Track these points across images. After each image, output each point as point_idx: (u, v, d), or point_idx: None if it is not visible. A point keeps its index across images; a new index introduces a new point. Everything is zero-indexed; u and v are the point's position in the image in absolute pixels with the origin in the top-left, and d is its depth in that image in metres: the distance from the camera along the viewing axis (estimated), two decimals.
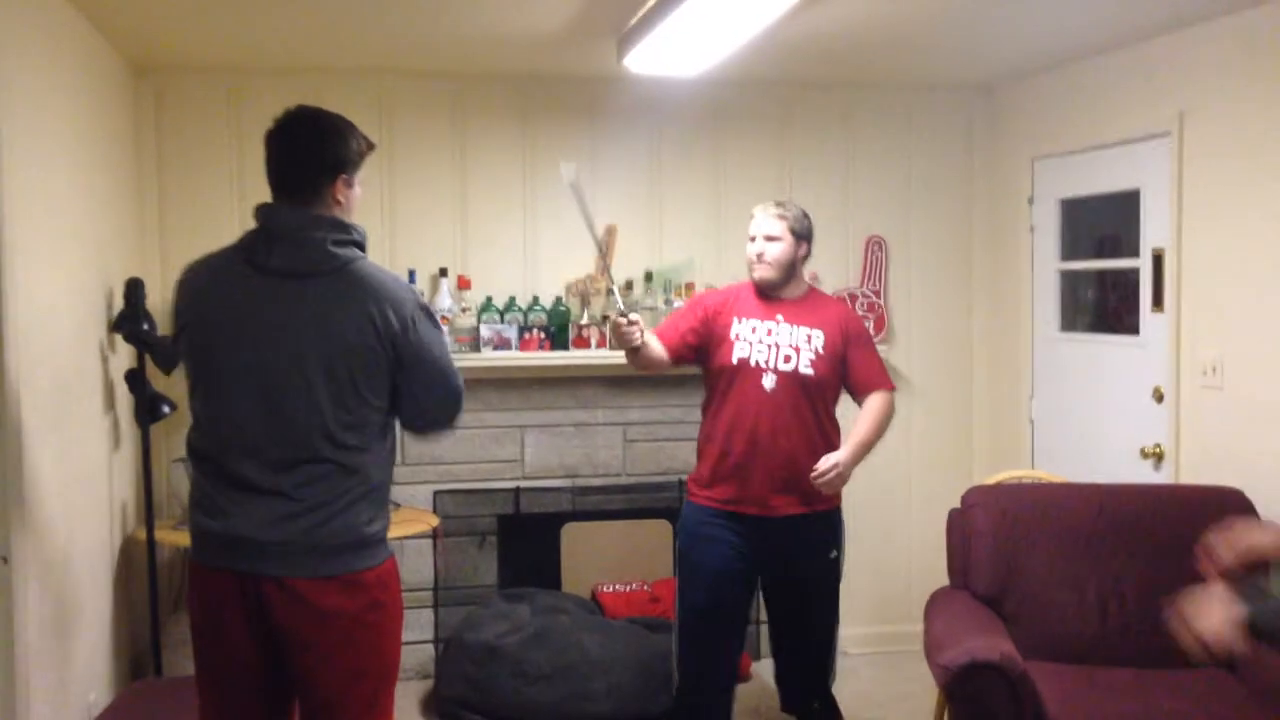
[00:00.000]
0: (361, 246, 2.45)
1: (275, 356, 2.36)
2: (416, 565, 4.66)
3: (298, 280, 2.37)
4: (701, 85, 4.59)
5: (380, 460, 2.48)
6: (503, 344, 4.56)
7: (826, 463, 3.41)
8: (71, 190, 3.45)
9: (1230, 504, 3.53)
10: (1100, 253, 4.63)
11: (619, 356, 4.59)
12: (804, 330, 3.52)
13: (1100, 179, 4.42)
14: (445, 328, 4.46)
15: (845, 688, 4.64)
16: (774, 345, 3.50)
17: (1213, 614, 1.97)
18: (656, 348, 3.54)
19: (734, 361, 3.51)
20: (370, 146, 2.53)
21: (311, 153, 2.42)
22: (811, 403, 3.49)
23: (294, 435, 2.37)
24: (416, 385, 2.45)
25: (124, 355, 3.97)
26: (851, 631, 5.06)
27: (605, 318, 4.64)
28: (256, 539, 2.37)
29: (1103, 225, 4.51)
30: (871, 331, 4.94)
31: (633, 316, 3.40)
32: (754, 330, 3.53)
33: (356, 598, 2.42)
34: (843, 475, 3.43)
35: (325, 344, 2.35)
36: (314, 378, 2.36)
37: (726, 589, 3.61)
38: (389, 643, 2.54)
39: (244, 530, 2.37)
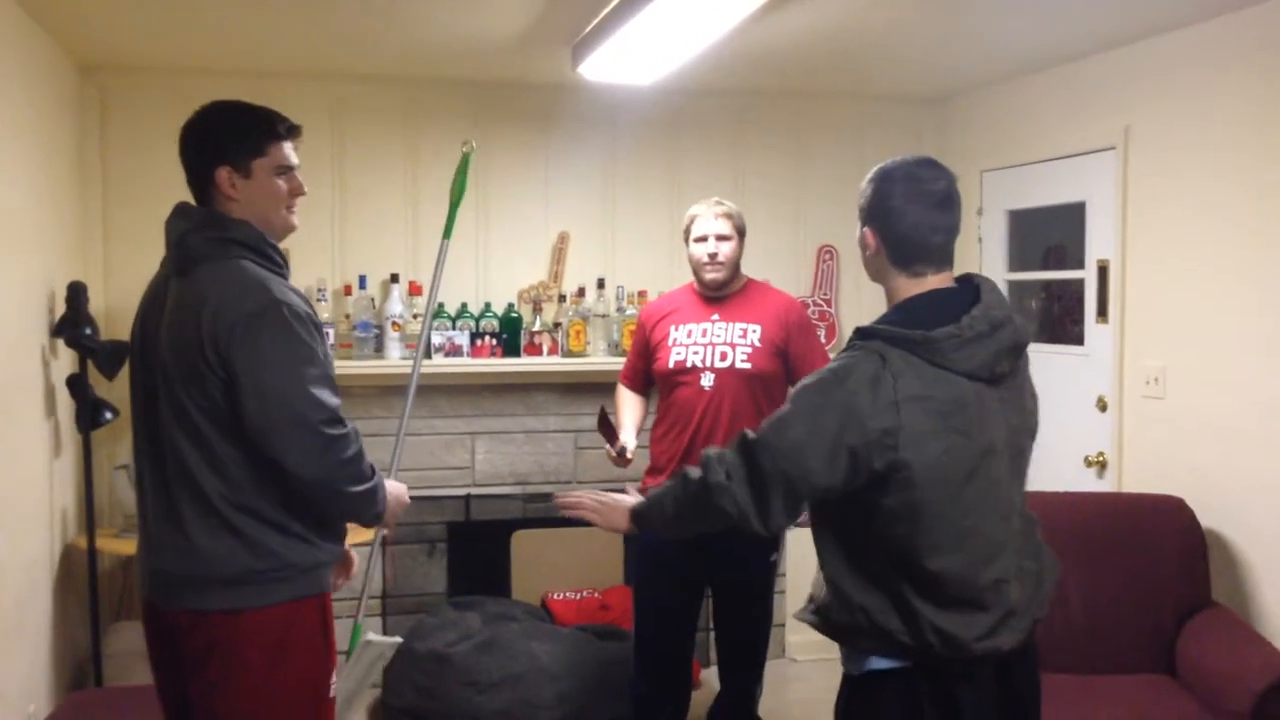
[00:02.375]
0: (244, 244, 2.20)
1: (150, 365, 2.23)
2: (366, 573, 4.61)
3: (174, 280, 2.23)
4: (656, 94, 4.61)
5: (246, 488, 2.18)
6: (454, 350, 4.53)
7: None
8: (11, 190, 3.38)
9: (1171, 512, 3.60)
10: (1047, 264, 4.70)
11: (570, 363, 4.63)
12: (740, 326, 3.56)
13: (1047, 191, 4.49)
14: (397, 334, 4.46)
15: (793, 694, 4.67)
16: (709, 345, 3.55)
17: (615, 510, 2.41)
18: (636, 406, 3.81)
19: (670, 366, 3.59)
20: (287, 131, 2.29)
21: (188, 149, 2.27)
22: (754, 398, 3.53)
23: (162, 454, 2.20)
24: (250, 409, 2.12)
25: (65, 360, 3.90)
26: (800, 638, 5.09)
27: (557, 325, 4.64)
28: (147, 566, 2.28)
29: (1049, 237, 4.58)
30: (823, 339, 4.99)
31: (628, 455, 3.58)
32: (689, 334, 3.59)
33: (235, 643, 2.20)
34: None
35: (170, 351, 2.18)
36: (165, 389, 2.18)
37: (675, 589, 3.65)
38: (282, 709, 2.25)
39: (144, 557, 2.30)
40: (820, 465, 2.00)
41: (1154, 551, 3.49)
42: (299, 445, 2.16)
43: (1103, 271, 4.14)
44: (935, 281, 2.12)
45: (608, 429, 3.56)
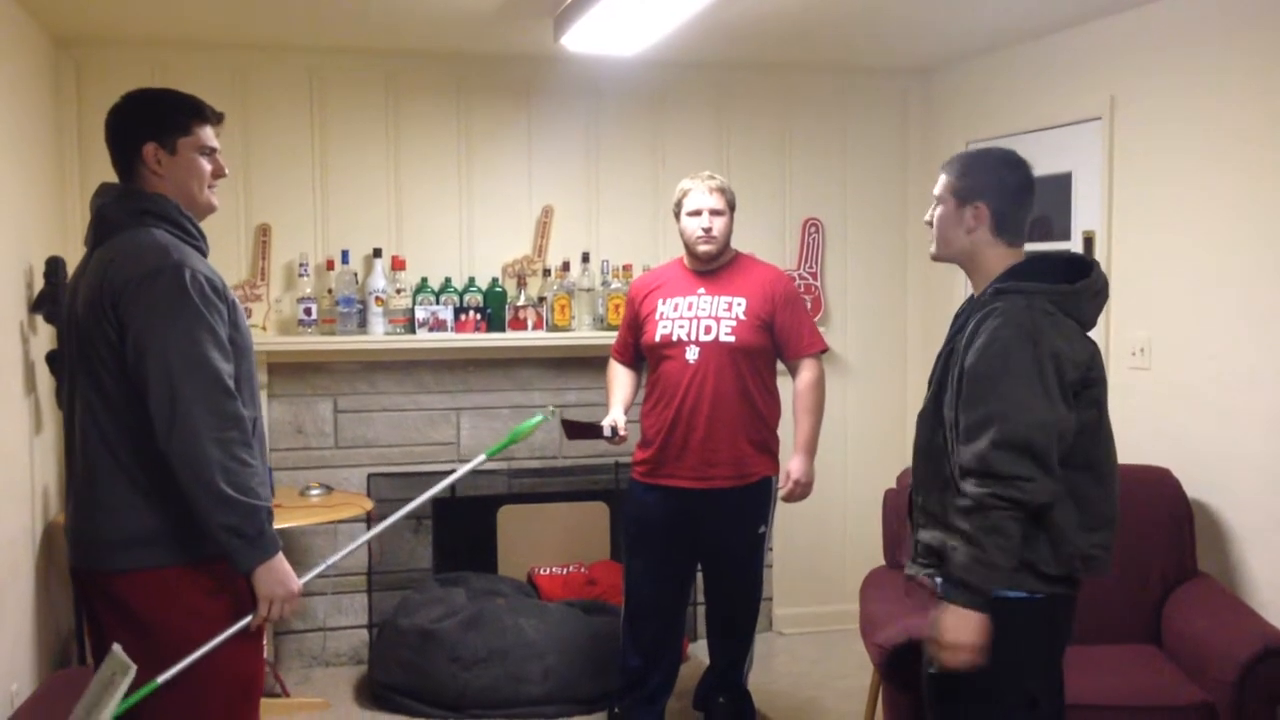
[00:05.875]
0: (157, 214, 2.29)
1: (69, 333, 2.35)
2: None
3: (95, 252, 2.33)
4: (639, 66, 4.57)
5: (144, 449, 2.22)
6: (438, 325, 4.50)
7: (787, 484, 3.59)
8: None
9: (1157, 482, 3.60)
10: (1031, 236, 4.67)
11: (555, 338, 4.61)
12: (725, 299, 3.58)
13: (1032, 162, 4.45)
14: (380, 309, 4.42)
15: (780, 667, 4.68)
16: (694, 319, 3.58)
17: (965, 625, 2.27)
18: (626, 382, 3.81)
19: (656, 339, 3.62)
20: (212, 115, 2.39)
21: (115, 128, 2.37)
22: (739, 372, 3.54)
23: (75, 415, 2.31)
24: (132, 362, 2.20)
25: (45, 336, 3.86)
26: (787, 611, 5.10)
27: (542, 299, 4.62)
28: (69, 530, 2.36)
29: (1035, 208, 4.56)
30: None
31: (621, 431, 3.61)
32: (675, 307, 3.62)
33: (130, 601, 2.26)
34: (807, 485, 3.58)
35: (81, 313, 2.28)
36: (80, 352, 2.28)
37: (666, 562, 3.67)
38: (208, 680, 2.27)
39: (67, 521, 2.37)
40: (1066, 407, 2.28)
41: (1140, 522, 3.48)
42: (166, 402, 2.17)
43: (1088, 243, 4.13)
44: (1022, 253, 2.47)
45: (580, 429, 3.58)
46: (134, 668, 2.11)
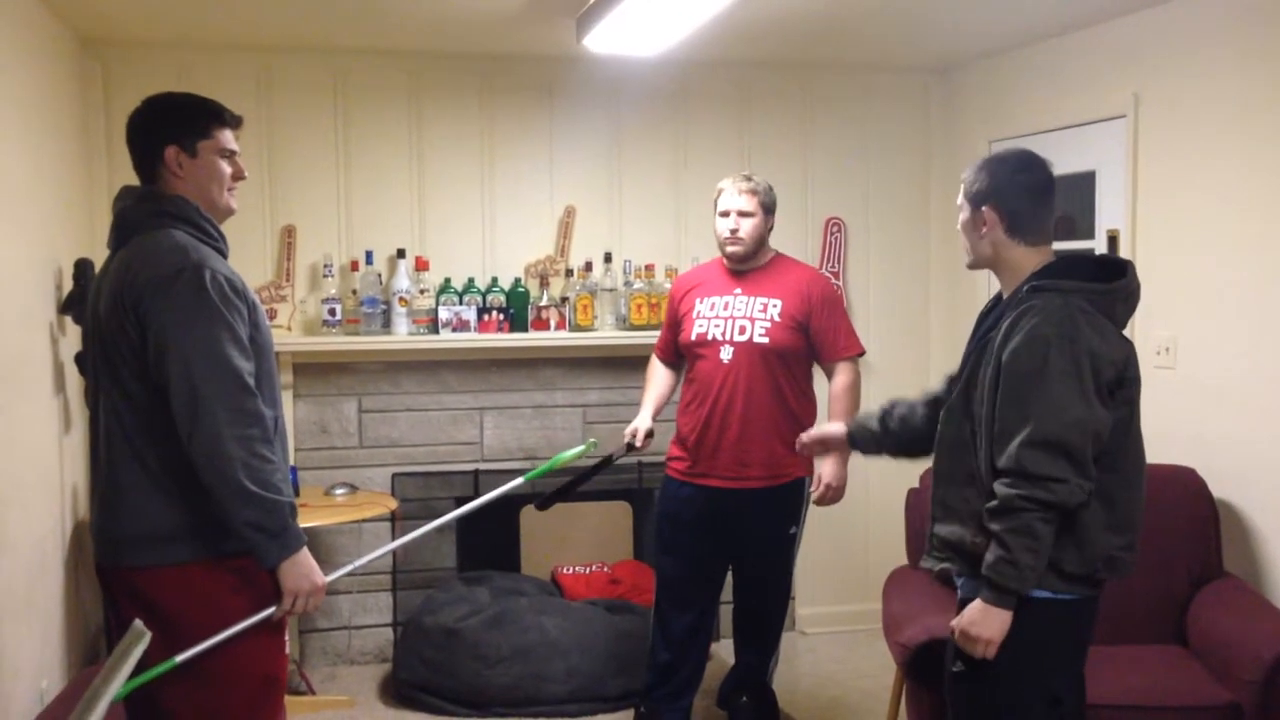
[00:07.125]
0: (177, 216, 2.32)
1: (93, 333, 2.38)
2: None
3: (118, 254, 2.36)
4: (661, 66, 4.58)
5: (167, 447, 2.24)
6: (461, 326, 4.52)
7: (819, 488, 3.58)
8: (16, 166, 3.37)
9: (1183, 482, 3.59)
10: (1056, 234, 4.65)
11: (578, 338, 4.62)
12: (761, 300, 3.58)
13: (1056, 161, 4.36)
14: (404, 310, 4.44)
15: (803, 667, 4.68)
16: (729, 318, 3.58)
17: (989, 622, 2.32)
18: (663, 381, 3.83)
19: (692, 338, 3.63)
20: (231, 119, 2.42)
21: (137, 132, 2.41)
22: (772, 373, 3.55)
23: (100, 415, 2.34)
24: (153, 362, 2.23)
25: (73, 337, 3.90)
26: (810, 611, 5.10)
27: (564, 299, 4.63)
28: (93, 528, 2.38)
29: (1058, 207, 4.54)
30: None
31: (637, 444, 3.66)
32: (712, 306, 3.63)
33: (154, 597, 2.28)
34: (840, 489, 3.59)
35: (103, 315, 2.31)
36: (101, 353, 2.32)
37: (697, 560, 3.69)
38: (228, 678, 2.30)
39: (91, 520, 2.40)
40: (1103, 408, 2.28)
41: (1165, 522, 3.47)
42: (188, 401, 2.19)
43: (1112, 242, 4.11)
44: (1049, 252, 2.45)
45: (597, 471, 3.69)
46: (148, 634, 2.13)
